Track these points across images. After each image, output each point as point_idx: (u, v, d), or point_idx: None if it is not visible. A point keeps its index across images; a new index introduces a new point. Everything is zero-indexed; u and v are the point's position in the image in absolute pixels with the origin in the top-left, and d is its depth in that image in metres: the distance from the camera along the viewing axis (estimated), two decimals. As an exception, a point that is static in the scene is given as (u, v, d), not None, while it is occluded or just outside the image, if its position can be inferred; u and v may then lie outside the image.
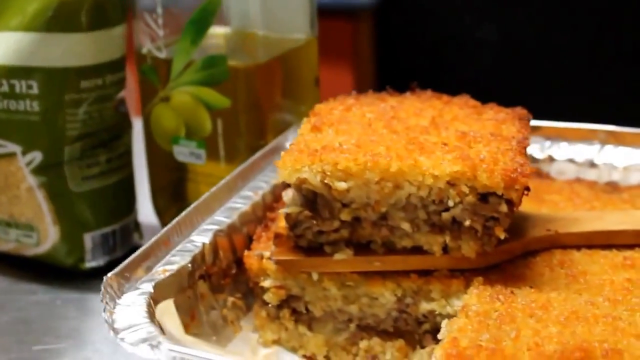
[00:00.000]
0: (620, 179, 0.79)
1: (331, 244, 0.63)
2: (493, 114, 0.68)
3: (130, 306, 0.56)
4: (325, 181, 0.60)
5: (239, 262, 0.68)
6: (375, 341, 0.65)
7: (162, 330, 0.54)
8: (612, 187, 0.77)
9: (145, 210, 0.85)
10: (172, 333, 0.54)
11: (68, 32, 0.70)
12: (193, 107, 0.77)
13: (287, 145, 0.78)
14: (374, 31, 2.13)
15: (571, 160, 0.81)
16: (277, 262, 0.63)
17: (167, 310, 0.56)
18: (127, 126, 0.79)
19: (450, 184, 0.58)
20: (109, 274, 0.57)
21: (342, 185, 0.60)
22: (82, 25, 0.71)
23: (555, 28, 1.92)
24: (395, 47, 2.13)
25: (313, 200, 0.61)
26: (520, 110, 0.67)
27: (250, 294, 0.69)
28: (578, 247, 0.65)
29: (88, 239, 0.76)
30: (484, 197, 0.59)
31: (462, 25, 2.05)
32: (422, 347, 0.64)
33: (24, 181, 0.74)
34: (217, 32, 0.76)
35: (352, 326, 0.65)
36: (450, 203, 0.59)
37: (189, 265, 0.62)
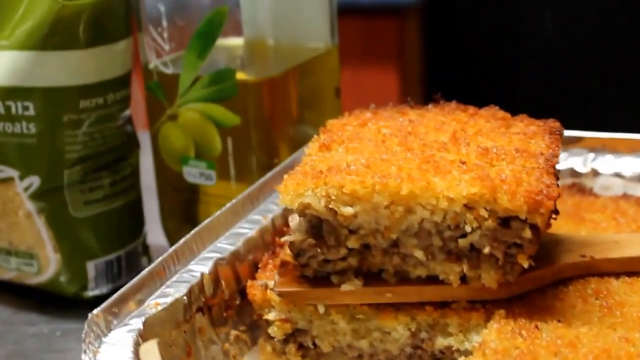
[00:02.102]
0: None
1: (339, 274, 0.60)
2: (523, 126, 0.64)
3: (116, 345, 0.54)
4: (330, 206, 0.57)
5: (243, 292, 0.66)
6: (389, 379, 0.61)
7: None
8: (666, 205, 0.73)
9: (155, 232, 0.83)
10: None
11: (65, 49, 0.69)
12: (202, 125, 0.75)
13: (299, 159, 0.76)
14: (421, 30, 2.09)
15: (618, 175, 0.77)
16: (281, 294, 0.61)
17: (151, 351, 0.54)
18: (134, 146, 0.78)
19: (468, 207, 0.55)
20: (95, 311, 0.55)
21: (348, 211, 0.57)
22: (80, 42, 0.69)
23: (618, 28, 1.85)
24: (444, 47, 2.09)
25: (318, 226, 0.58)
26: (552, 123, 0.64)
27: (256, 326, 0.66)
28: (617, 275, 0.61)
29: (91, 267, 0.75)
30: (505, 221, 0.55)
31: (516, 21, 2.00)
32: (440, 386, 0.60)
33: (23, 207, 0.73)
34: (228, 43, 0.75)
35: (364, 363, 0.62)
36: (468, 228, 0.56)
37: (185, 297, 0.60)
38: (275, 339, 0.63)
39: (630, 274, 0.61)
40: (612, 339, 0.54)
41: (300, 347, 0.63)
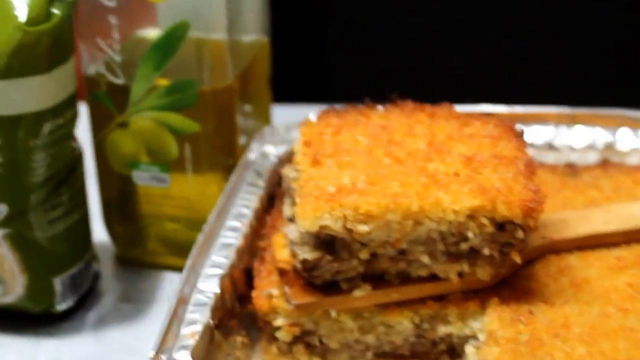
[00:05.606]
0: (577, 160, 0.88)
1: (347, 280, 0.68)
2: (480, 125, 0.74)
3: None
4: (347, 226, 0.64)
5: (240, 299, 0.72)
6: (393, 366, 0.71)
7: None
8: (573, 170, 0.86)
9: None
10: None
11: (28, 75, 0.70)
12: (156, 132, 0.78)
13: (250, 157, 0.82)
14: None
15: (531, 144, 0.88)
16: (298, 306, 0.68)
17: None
18: (80, 156, 0.80)
19: (470, 217, 0.65)
20: (151, 356, 0.60)
21: (364, 228, 0.64)
22: (42, 66, 0.70)
23: None
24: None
25: (330, 242, 0.66)
26: (509, 123, 0.74)
27: (254, 329, 0.73)
28: (569, 251, 0.73)
29: (58, 283, 0.78)
30: (501, 225, 0.65)
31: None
32: (439, 365, 0.71)
33: (-11, 236, 0.74)
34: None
35: (369, 354, 0.71)
36: (470, 235, 0.65)
37: (210, 320, 0.66)
38: (281, 341, 0.71)
39: (579, 248, 0.74)
40: (594, 316, 0.66)
41: (307, 345, 0.71)
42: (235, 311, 0.72)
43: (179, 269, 0.84)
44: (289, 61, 1.13)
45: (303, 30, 1.42)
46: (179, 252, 0.85)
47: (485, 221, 0.65)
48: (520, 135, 0.72)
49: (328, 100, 1.04)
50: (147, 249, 0.86)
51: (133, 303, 0.84)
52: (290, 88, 1.10)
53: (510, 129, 0.73)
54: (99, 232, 0.87)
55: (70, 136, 0.76)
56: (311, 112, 0.78)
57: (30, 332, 0.79)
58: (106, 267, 0.88)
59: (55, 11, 0.71)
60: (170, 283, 0.86)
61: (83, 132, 0.81)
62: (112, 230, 0.86)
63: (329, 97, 1.14)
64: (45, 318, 0.79)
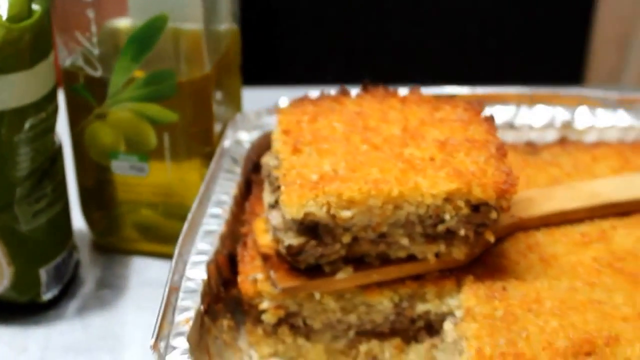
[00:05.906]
0: (536, 138, 0.92)
1: (330, 264, 0.71)
2: (450, 110, 0.77)
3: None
4: (331, 212, 0.67)
5: (224, 284, 0.75)
6: (374, 343, 0.75)
7: None
8: (533, 148, 0.90)
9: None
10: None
11: (13, 72, 0.71)
12: (135, 123, 0.80)
13: (226, 144, 0.84)
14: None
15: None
16: (284, 290, 0.71)
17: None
18: (60, 148, 0.81)
19: (447, 200, 0.68)
20: (152, 344, 0.62)
21: (346, 214, 0.67)
22: (26, 62, 0.71)
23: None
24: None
25: (314, 227, 0.69)
26: (478, 108, 0.77)
27: (238, 312, 0.76)
28: (536, 228, 0.77)
29: (43, 273, 0.79)
30: (476, 207, 0.69)
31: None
32: (417, 341, 0.75)
33: (-24, 231, 0.75)
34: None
35: (351, 333, 0.74)
36: (447, 217, 0.69)
37: (201, 307, 0.68)
38: (266, 323, 0.74)
39: (546, 225, 0.78)
40: (563, 290, 0.70)
41: (292, 327, 0.74)
42: (221, 295, 0.74)
43: (153, 254, 0.88)
44: (250, 45, 1.15)
45: (262, 14, 1.43)
46: (153, 238, 0.88)
47: (461, 203, 0.68)
48: (489, 119, 0.76)
49: (286, 83, 1.07)
50: (123, 236, 0.88)
51: (111, 289, 0.86)
52: (253, 71, 1.12)
53: (479, 113, 0.76)
54: (76, 220, 0.88)
55: (52, 129, 0.77)
56: (276, 96, 0.80)
57: (18, 322, 0.80)
58: (84, 255, 0.89)
59: (36, 7, 0.72)
60: (144, 268, 0.89)
61: (61, 123, 0.82)
62: (89, 218, 0.88)
63: (283, 79, 1.17)
64: (32, 308, 0.81)
